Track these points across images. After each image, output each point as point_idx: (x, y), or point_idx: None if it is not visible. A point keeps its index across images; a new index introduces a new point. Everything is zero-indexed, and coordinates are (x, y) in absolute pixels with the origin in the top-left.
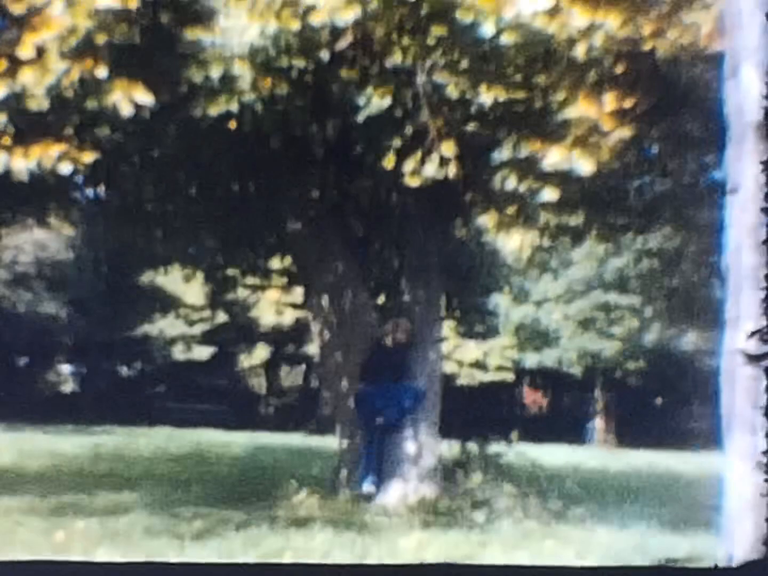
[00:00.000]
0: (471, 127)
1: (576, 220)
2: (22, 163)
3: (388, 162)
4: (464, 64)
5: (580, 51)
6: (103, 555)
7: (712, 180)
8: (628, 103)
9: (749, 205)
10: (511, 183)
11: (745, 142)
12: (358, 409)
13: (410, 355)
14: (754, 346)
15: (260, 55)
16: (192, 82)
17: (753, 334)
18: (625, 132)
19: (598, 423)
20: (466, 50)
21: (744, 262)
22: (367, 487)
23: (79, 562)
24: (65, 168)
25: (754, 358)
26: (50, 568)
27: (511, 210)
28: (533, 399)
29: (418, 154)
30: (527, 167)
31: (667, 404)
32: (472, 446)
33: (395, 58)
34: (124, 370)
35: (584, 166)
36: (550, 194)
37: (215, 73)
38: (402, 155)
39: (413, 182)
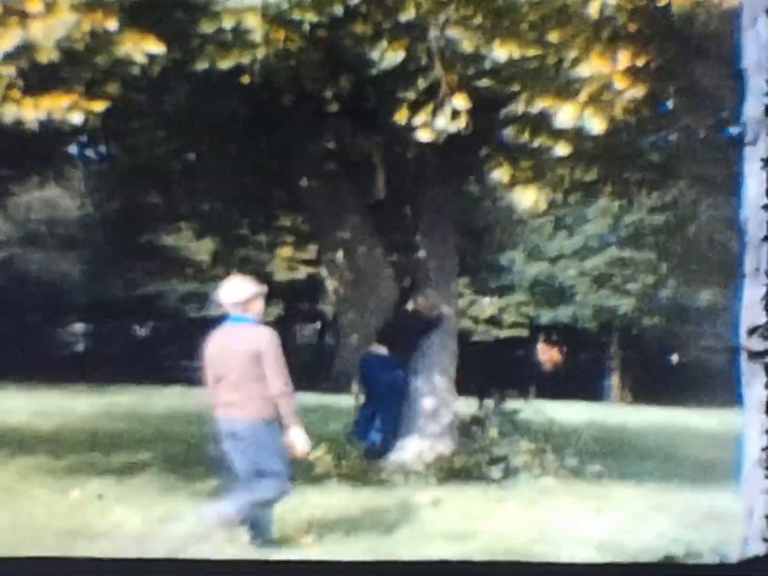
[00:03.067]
0: (484, 82)
1: (590, 175)
2: (32, 114)
3: (401, 116)
4: (478, 19)
5: (593, 8)
6: (119, 514)
7: (727, 134)
8: (641, 61)
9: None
10: (524, 138)
11: (763, 94)
12: (363, 370)
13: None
14: (755, 343)
15: (273, 8)
16: (204, 35)
17: (753, 330)
18: (639, 90)
19: (614, 380)
20: (479, 5)
21: (762, 213)
22: (372, 438)
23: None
24: (76, 118)
25: (755, 355)
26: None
27: (525, 165)
28: (549, 356)
29: (430, 107)
30: (540, 123)
31: (683, 361)
32: (489, 402)
33: (408, 13)
34: (137, 329)
35: (596, 124)
36: (563, 149)
37: (227, 25)
38: (414, 110)
39: (425, 136)
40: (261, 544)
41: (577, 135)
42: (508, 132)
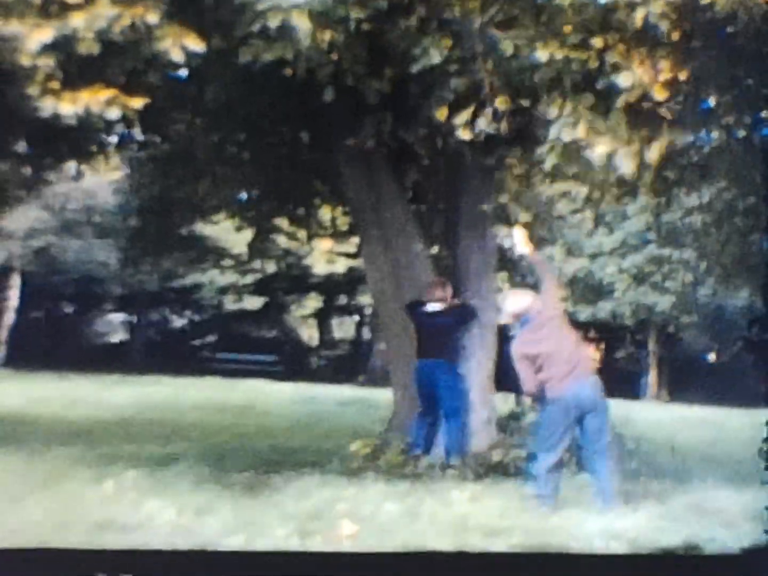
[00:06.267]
0: (525, 83)
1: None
2: (70, 108)
3: (441, 114)
4: (522, 19)
5: (638, 15)
6: (152, 506)
7: (767, 134)
8: (683, 75)
9: None
10: (550, 161)
11: None
12: (424, 378)
13: (456, 325)
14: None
15: (318, 5)
16: (247, 29)
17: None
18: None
19: (651, 377)
20: (524, 6)
21: None
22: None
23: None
24: (114, 113)
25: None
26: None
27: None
28: (588, 353)
29: (471, 108)
30: (573, 152)
31: (720, 360)
32: (526, 398)
33: (453, 11)
34: (174, 320)
35: (626, 166)
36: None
37: (273, 23)
38: (455, 107)
39: (465, 135)
40: None
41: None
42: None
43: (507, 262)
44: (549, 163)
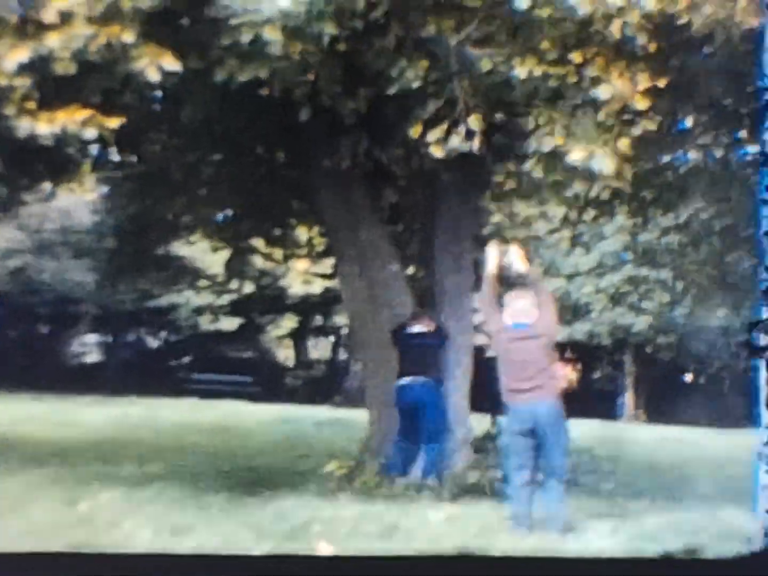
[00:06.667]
0: (502, 101)
1: (606, 193)
2: (47, 128)
3: (415, 131)
4: (499, 36)
5: (615, 28)
6: (129, 525)
7: (744, 154)
8: (661, 83)
9: None
10: (538, 173)
11: None
12: (407, 399)
13: (438, 346)
14: (758, 338)
15: (292, 20)
16: (222, 47)
17: (755, 324)
18: (653, 122)
19: (628, 398)
20: (501, 23)
21: None
22: (395, 473)
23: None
24: (90, 133)
25: (757, 350)
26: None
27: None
28: (563, 373)
29: (444, 125)
30: (554, 161)
31: (698, 380)
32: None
33: (429, 29)
34: (149, 341)
35: (606, 165)
36: (578, 186)
37: (245, 38)
38: (430, 126)
39: (437, 152)
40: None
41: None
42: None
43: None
44: (535, 174)
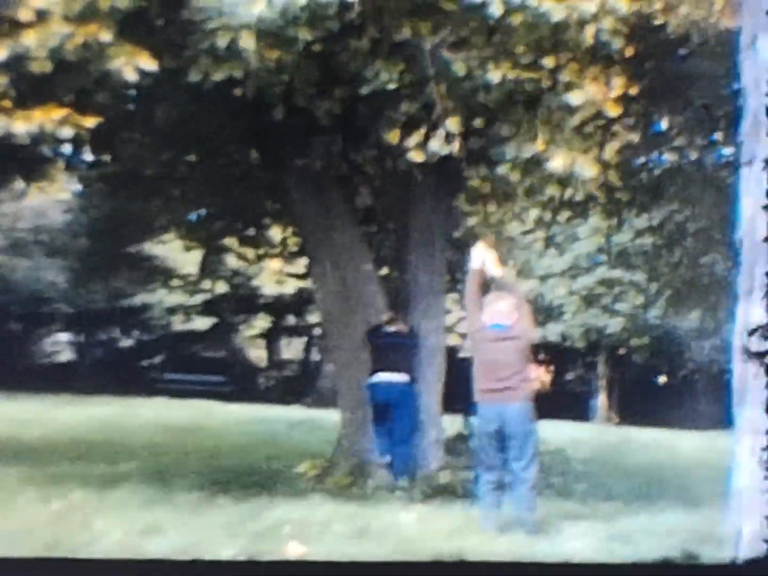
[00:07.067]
0: (477, 104)
1: (580, 195)
2: (22, 127)
3: (393, 137)
4: (473, 41)
5: (588, 33)
6: (99, 525)
7: (719, 156)
8: (634, 90)
9: (764, 176)
10: (515, 178)
11: (761, 114)
12: (382, 397)
13: (411, 347)
14: (755, 343)
15: (267, 25)
16: (197, 48)
17: (754, 331)
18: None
19: (601, 399)
20: (476, 27)
21: (758, 234)
22: (383, 458)
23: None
24: (66, 132)
25: (755, 355)
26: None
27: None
28: (536, 374)
29: (423, 130)
30: (531, 166)
31: (671, 382)
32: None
33: (405, 32)
34: (122, 340)
35: (587, 170)
36: (553, 191)
37: (221, 42)
38: (407, 129)
39: (417, 157)
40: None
41: (567, 178)
42: (500, 170)
43: (458, 283)
44: (513, 179)
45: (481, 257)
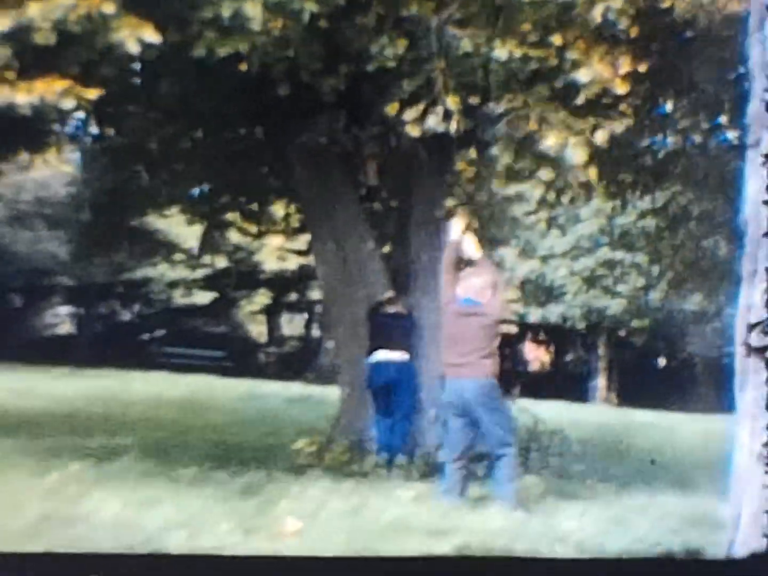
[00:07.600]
0: (479, 81)
1: (584, 175)
2: (25, 98)
3: (391, 109)
4: (480, 17)
5: (596, 12)
6: (96, 498)
7: (724, 139)
8: (642, 67)
9: None
10: (507, 160)
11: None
12: (372, 379)
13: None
14: (756, 338)
15: None
16: (202, 21)
17: (754, 326)
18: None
19: (601, 381)
20: (483, 4)
21: (762, 217)
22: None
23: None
24: (68, 104)
25: (756, 351)
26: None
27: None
28: (536, 355)
29: (422, 104)
30: (525, 146)
31: (671, 364)
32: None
33: (411, 8)
34: (122, 313)
35: (578, 154)
36: (546, 175)
37: (226, 12)
38: (407, 104)
39: (414, 132)
40: None
41: (559, 161)
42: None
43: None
44: (503, 160)
45: (459, 230)
